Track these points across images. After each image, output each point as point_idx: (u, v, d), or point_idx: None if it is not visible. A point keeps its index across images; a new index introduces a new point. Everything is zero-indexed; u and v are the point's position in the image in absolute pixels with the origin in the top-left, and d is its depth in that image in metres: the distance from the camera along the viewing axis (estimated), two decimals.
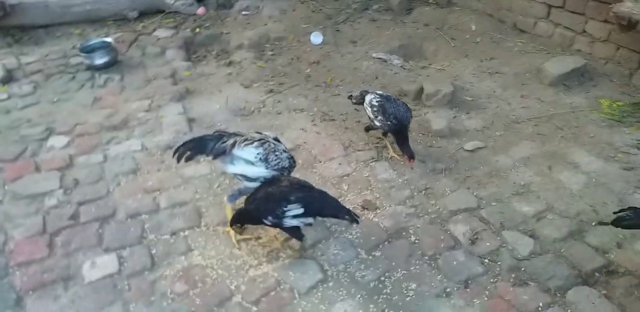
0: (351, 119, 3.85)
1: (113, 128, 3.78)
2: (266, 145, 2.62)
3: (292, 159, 2.70)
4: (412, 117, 3.27)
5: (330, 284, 2.55)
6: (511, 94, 4.08)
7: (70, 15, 5.24)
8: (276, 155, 2.62)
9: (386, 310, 2.41)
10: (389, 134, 3.40)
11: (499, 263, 2.65)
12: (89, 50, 4.54)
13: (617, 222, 2.44)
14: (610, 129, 3.66)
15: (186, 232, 2.85)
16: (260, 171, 2.59)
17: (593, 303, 2.42)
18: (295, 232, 2.54)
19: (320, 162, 3.40)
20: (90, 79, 4.45)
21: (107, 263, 2.65)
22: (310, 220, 2.44)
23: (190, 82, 4.38)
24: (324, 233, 2.82)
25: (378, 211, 2.99)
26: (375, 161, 3.40)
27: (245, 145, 2.59)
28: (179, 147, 2.61)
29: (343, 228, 2.86)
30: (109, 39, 4.67)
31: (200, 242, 2.79)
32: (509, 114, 3.86)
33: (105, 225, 2.90)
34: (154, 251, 2.73)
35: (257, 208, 2.47)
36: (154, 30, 5.19)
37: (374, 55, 4.64)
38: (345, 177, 3.26)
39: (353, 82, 4.32)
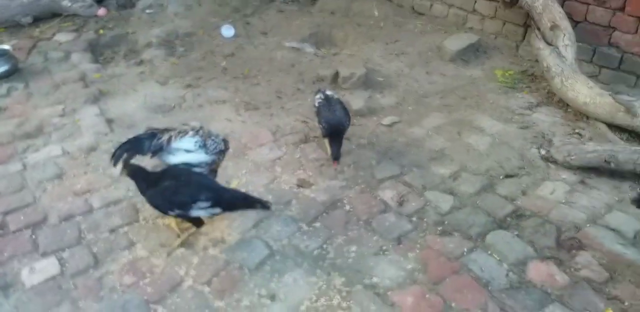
0: (275, 106, 3.98)
1: (27, 136, 3.60)
2: (201, 132, 2.73)
3: (226, 142, 2.83)
4: (349, 123, 3.26)
5: (277, 257, 2.67)
6: (417, 72, 4.43)
7: None
8: (212, 139, 2.74)
9: (331, 272, 2.59)
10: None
11: (425, 220, 2.93)
12: None
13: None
14: (506, 94, 4.11)
15: (125, 228, 2.84)
16: (201, 157, 2.70)
17: (508, 243, 2.76)
18: (195, 220, 2.64)
19: (251, 148, 3.50)
20: None
21: (47, 267, 2.58)
22: (217, 210, 2.52)
23: (102, 84, 4.27)
24: (265, 213, 2.94)
25: (313, 187, 3.16)
26: (304, 142, 3.56)
27: (182, 136, 2.67)
28: (115, 151, 2.59)
29: (282, 206, 3.00)
30: (6, 47, 4.41)
31: (142, 236, 2.79)
32: (417, 90, 4.19)
33: (37, 231, 2.81)
34: (95, 250, 2.69)
35: (163, 203, 2.56)
36: (54, 34, 4.96)
37: (286, 44, 4.79)
38: (278, 160, 3.39)
39: (270, 72, 4.44)
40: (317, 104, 3.35)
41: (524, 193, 3.13)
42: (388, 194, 3.09)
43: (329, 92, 3.42)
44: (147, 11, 5.31)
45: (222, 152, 2.81)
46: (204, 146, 2.70)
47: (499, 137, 3.62)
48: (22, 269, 2.57)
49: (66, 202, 3.01)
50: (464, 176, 3.26)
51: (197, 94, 4.14)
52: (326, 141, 3.30)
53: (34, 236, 2.78)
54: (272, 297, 2.45)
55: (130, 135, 3.41)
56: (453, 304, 2.44)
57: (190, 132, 2.70)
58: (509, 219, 2.96)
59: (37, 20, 5.15)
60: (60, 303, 2.41)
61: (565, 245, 2.81)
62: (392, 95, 4.11)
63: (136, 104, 3.99)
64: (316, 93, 3.48)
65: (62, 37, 4.95)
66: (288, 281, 2.55)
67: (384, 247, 2.74)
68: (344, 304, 2.42)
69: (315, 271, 2.59)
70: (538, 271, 2.63)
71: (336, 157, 3.20)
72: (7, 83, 4.24)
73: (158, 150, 2.65)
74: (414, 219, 2.93)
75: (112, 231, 2.83)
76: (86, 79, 4.33)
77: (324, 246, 2.74)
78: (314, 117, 3.52)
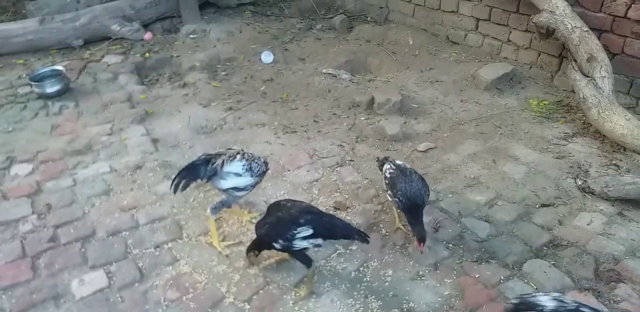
0: (312, 130, 4.10)
1: (77, 153, 3.80)
2: (246, 156, 2.86)
3: (266, 163, 2.95)
4: (428, 195, 2.87)
5: (315, 278, 2.74)
6: (452, 100, 4.50)
7: (11, 45, 5.19)
8: (256, 162, 2.87)
9: (368, 295, 2.63)
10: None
11: (461, 246, 2.95)
12: (38, 79, 4.54)
13: None
14: (541, 124, 4.14)
15: (169, 245, 2.95)
16: (248, 180, 2.83)
17: (545, 272, 2.76)
18: (303, 257, 2.57)
19: (289, 170, 3.60)
20: (43, 107, 4.43)
21: (95, 279, 2.70)
22: (319, 241, 2.51)
23: (148, 105, 4.47)
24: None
25: (349, 210, 3.23)
26: (340, 166, 3.65)
27: (231, 161, 2.80)
28: (174, 178, 2.70)
29: None
30: (60, 67, 4.68)
31: (185, 252, 2.90)
32: (452, 117, 4.26)
33: (87, 244, 2.95)
34: (140, 264, 2.81)
35: (268, 232, 2.54)
36: (103, 56, 5.24)
37: (323, 71, 4.95)
38: (315, 183, 3.48)
39: (307, 97, 4.58)
40: (388, 175, 2.95)
41: (560, 223, 3.13)
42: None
43: (399, 162, 3.03)
44: (191, 36, 5.57)
45: (263, 174, 2.94)
46: (250, 169, 2.82)
47: (534, 166, 3.63)
48: (72, 281, 2.70)
49: (113, 218, 3.15)
50: (500, 203, 3.28)
51: (238, 116, 4.30)
52: (397, 212, 3.08)
53: (83, 249, 2.91)
54: None
55: (175, 155, 3.58)
56: None
57: (238, 156, 2.83)
58: (545, 248, 2.96)
59: (88, 43, 5.45)
60: None
61: (604, 277, 2.80)
62: (427, 122, 4.19)
63: (180, 125, 4.16)
64: (381, 163, 3.12)
65: (111, 59, 5.21)
66: (326, 301, 2.60)
67: (420, 273, 2.77)
68: None
69: (353, 293, 2.64)
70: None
71: (422, 237, 2.76)
72: (59, 102, 4.48)
73: (213, 175, 2.77)
74: (451, 245, 2.96)
75: (157, 246, 2.95)
76: (132, 100, 4.55)
77: (361, 268, 2.80)
78: (349, 141, 3.64)
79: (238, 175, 2.80)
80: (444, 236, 3.02)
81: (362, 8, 6.03)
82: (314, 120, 4.22)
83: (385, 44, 5.41)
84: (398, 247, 2.94)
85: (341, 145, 3.88)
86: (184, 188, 2.71)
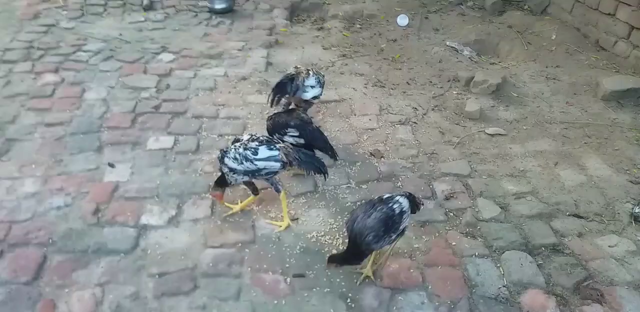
0: (399, 89, 4.37)
1: (209, 57, 4.68)
2: (315, 71, 3.44)
3: (323, 75, 3.53)
4: (378, 242, 2.41)
5: (316, 195, 3.18)
6: (557, 99, 4.31)
7: None
8: (321, 75, 3.45)
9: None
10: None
11: (460, 218, 3.08)
12: None
13: None
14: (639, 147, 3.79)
15: (229, 137, 3.63)
16: (319, 90, 3.41)
17: (522, 265, 2.78)
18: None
19: (355, 115, 3.99)
20: (208, 19, 5.42)
21: (166, 141, 3.53)
22: (301, 140, 3.10)
23: (283, 37, 5.16)
24: (328, 161, 3.43)
25: (382, 159, 3.53)
26: (401, 124, 3.90)
27: (307, 77, 3.37)
28: (269, 95, 3.34)
29: (347, 163, 3.45)
30: None
31: None
32: (545, 114, 4.12)
33: (175, 118, 3.79)
34: (201, 142, 3.55)
35: (268, 129, 3.19)
36: None
37: (447, 43, 5.06)
38: (369, 130, 3.82)
39: (416, 62, 4.81)
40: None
41: (580, 235, 3.01)
42: (442, 187, 3.29)
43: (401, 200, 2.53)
44: None
45: (324, 84, 3.51)
46: (319, 81, 3.41)
47: (596, 181, 3.43)
48: (151, 137, 3.56)
49: (204, 107, 3.94)
50: (529, 199, 3.25)
51: (345, 63, 4.74)
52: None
53: (170, 120, 3.76)
54: None
55: (276, 78, 4.14)
56: (430, 287, 2.64)
57: (311, 73, 3.40)
58: (543, 248, 2.92)
59: None
60: (159, 166, 3.31)
61: (584, 292, 2.71)
62: (515, 112, 4.13)
63: (295, 58, 4.78)
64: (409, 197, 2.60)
65: None
66: (312, 213, 3.03)
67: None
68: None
69: (337, 217, 3.01)
70: (534, 299, 2.63)
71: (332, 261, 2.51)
72: (221, 18, 5.43)
73: (297, 90, 3.35)
74: (451, 214, 3.11)
75: (220, 135, 3.66)
76: (273, 30, 5.28)
77: (358, 203, 3.12)
78: (426, 107, 3.85)
79: (313, 87, 3.36)
80: (450, 205, 3.16)
81: None
82: (407, 82, 4.46)
83: (525, 33, 5.24)
84: None
85: (416, 108, 4.10)
86: (277, 103, 3.34)
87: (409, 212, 2.55)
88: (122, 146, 3.47)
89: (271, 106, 3.38)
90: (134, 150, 3.44)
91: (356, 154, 3.56)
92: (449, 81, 4.51)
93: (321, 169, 2.87)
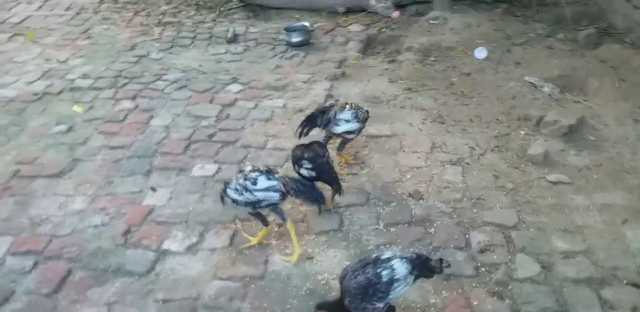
0: (460, 126, 4.10)
1: (274, 88, 4.81)
2: (353, 105, 3.43)
3: (367, 112, 3.55)
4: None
5: (339, 235, 3.05)
6: None
7: (296, 2, 6.54)
8: (361, 111, 3.43)
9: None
10: None
11: (492, 275, 2.74)
12: (291, 30, 5.71)
13: None
14: None
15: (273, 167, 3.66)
16: (355, 125, 3.40)
17: None
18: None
19: (404, 152, 3.81)
20: (283, 52, 5.61)
21: (210, 169, 3.66)
22: (314, 173, 3.08)
23: (351, 69, 5.15)
24: (361, 199, 3.30)
25: (420, 201, 3.30)
26: (452, 164, 3.64)
27: (342, 110, 3.37)
28: (298, 127, 3.38)
29: (381, 203, 3.29)
30: (306, 24, 5.76)
31: None
32: (625, 162, 3.58)
33: (225, 147, 3.92)
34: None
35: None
36: (350, 24, 6.11)
37: (526, 78, 4.66)
38: (414, 169, 3.61)
39: (487, 97, 4.49)
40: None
41: (634, 309, 2.51)
42: (479, 238, 2.97)
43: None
44: (430, 21, 5.90)
45: (366, 120, 3.52)
46: (356, 116, 3.38)
47: None
48: (197, 165, 3.72)
49: (254, 137, 4.05)
50: (579, 259, 2.81)
51: (409, 97, 4.59)
52: None
53: (220, 149, 3.90)
54: None
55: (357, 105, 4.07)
56: None
57: (347, 107, 3.40)
58: None
59: (349, 11, 6.40)
60: (196, 192, 3.43)
61: None
62: (588, 158, 3.64)
63: (358, 90, 4.73)
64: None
65: (354, 27, 6.05)
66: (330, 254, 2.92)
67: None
68: None
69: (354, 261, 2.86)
70: None
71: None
72: (296, 51, 5.58)
73: (327, 123, 3.36)
74: (483, 269, 2.79)
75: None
76: (343, 63, 5.30)
77: (381, 247, 2.95)
78: (485, 147, 3.61)
79: (348, 121, 3.36)
80: (483, 259, 2.85)
81: (629, 26, 5.17)
82: (470, 119, 4.18)
83: (620, 69, 4.64)
84: (430, 247, 2.95)
85: (473, 148, 3.81)
86: (306, 134, 3.39)
87: (407, 279, 2.25)
88: (169, 171, 3.66)
89: (299, 138, 3.38)
90: (178, 176, 3.62)
91: (393, 193, 3.38)
92: (518, 120, 4.13)
93: (318, 200, 2.78)
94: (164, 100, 4.65)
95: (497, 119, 4.17)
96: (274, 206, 2.81)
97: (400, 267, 2.23)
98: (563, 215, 3.14)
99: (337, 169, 3.56)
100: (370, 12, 6.30)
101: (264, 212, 2.90)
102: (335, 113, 3.35)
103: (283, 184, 2.73)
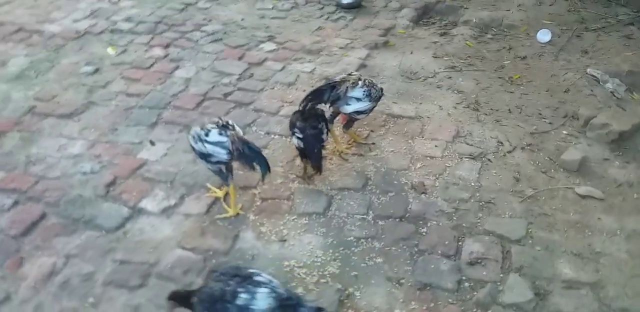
0: (494, 116, 3.65)
1: (307, 51, 4.50)
2: (367, 82, 3.06)
3: (382, 89, 3.16)
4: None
5: (322, 220, 2.83)
6: None
7: None
8: (374, 88, 3.07)
9: (337, 261, 2.59)
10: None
11: (475, 293, 2.44)
12: None
13: None
14: None
15: (275, 136, 3.46)
16: (367, 104, 3.09)
17: None
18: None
19: (422, 137, 3.45)
20: (331, 12, 5.22)
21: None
22: (301, 144, 2.91)
23: (395, 38, 4.72)
24: (357, 184, 3.03)
25: (422, 196, 2.99)
26: (471, 158, 3.25)
27: (353, 87, 3.02)
28: (303, 101, 3.04)
29: (378, 191, 3.01)
30: None
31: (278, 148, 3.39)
32: None
33: (237, 108, 3.74)
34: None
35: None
36: None
37: (588, 70, 4.05)
38: (428, 159, 3.27)
39: (536, 87, 3.96)
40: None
41: None
42: (472, 248, 2.64)
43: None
44: None
45: (379, 99, 3.18)
46: (369, 95, 3.05)
47: None
48: (206, 121, 3.56)
49: (270, 102, 3.82)
50: (583, 293, 2.43)
51: (449, 76, 4.14)
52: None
53: (231, 110, 3.72)
54: None
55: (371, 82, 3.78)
56: None
57: (360, 83, 3.04)
58: None
59: None
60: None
61: None
62: (635, 174, 3.13)
63: (395, 63, 4.33)
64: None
65: None
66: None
67: (402, 281, 2.50)
68: None
69: (329, 251, 2.66)
70: None
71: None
72: (345, 13, 5.18)
73: (336, 100, 3.05)
74: (467, 284, 2.48)
75: (267, 133, 3.51)
76: (390, 31, 4.87)
77: (362, 240, 2.71)
78: (515, 144, 3.27)
79: (359, 100, 3.04)
80: (470, 273, 2.53)
81: None
82: (509, 110, 3.71)
83: None
84: (415, 250, 2.67)
85: (501, 142, 3.39)
86: (310, 109, 3.05)
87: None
88: (174, 126, 3.55)
89: (302, 112, 3.08)
90: (181, 132, 3.50)
91: (395, 182, 3.08)
92: (564, 117, 3.61)
93: (254, 168, 2.57)
94: (194, 51, 4.49)
95: (540, 113, 3.67)
96: (223, 165, 2.67)
97: (263, 301, 1.89)
98: (581, 236, 2.72)
99: (343, 147, 3.31)
100: None
101: (214, 168, 2.74)
102: (347, 89, 3.01)
103: (231, 142, 2.54)
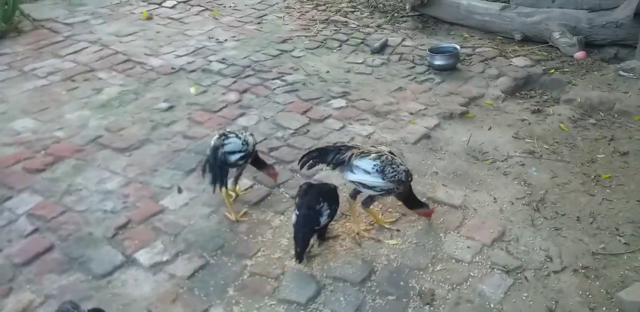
0: (556, 222, 3.04)
1: (374, 113, 4.23)
2: (383, 158, 2.77)
3: (408, 173, 2.80)
4: None
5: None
6: None
7: (470, 20, 5.71)
8: (392, 168, 2.75)
9: None
10: None
11: None
12: (436, 52, 4.98)
13: None
14: None
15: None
16: (377, 181, 2.77)
17: None
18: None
19: (457, 233, 2.98)
20: (420, 73, 4.94)
21: (243, 184, 3.41)
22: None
23: (478, 110, 4.29)
24: (357, 277, 2.69)
25: (425, 307, 2.53)
26: (505, 271, 2.70)
27: (362, 157, 2.78)
28: (304, 156, 2.89)
29: (377, 291, 2.63)
30: (457, 46, 4.95)
31: None
32: None
33: (276, 164, 3.55)
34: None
35: None
36: (517, 56, 5.08)
37: None
38: (452, 262, 2.79)
39: (629, 193, 3.24)
40: None
41: None
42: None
43: None
44: (621, 73, 4.50)
45: (402, 182, 2.79)
46: (381, 171, 2.74)
47: None
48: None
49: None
50: None
51: (523, 163, 3.61)
52: None
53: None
54: None
55: (418, 154, 3.45)
56: None
57: (372, 155, 2.77)
58: None
59: (526, 40, 5.33)
60: (210, 206, 3.26)
61: None
62: None
63: (464, 139, 3.91)
64: None
65: (519, 61, 4.99)
66: None
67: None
68: None
69: None
70: None
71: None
72: (434, 75, 4.86)
73: (340, 164, 2.83)
74: None
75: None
76: (476, 100, 4.44)
77: None
78: (569, 263, 2.67)
79: (367, 172, 2.76)
80: None
81: None
82: (578, 217, 3.08)
83: None
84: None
85: (550, 258, 2.79)
86: (310, 167, 2.91)
87: None
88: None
89: (300, 169, 2.89)
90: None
91: (401, 283, 2.67)
92: None
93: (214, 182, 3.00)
94: (266, 100, 4.52)
95: (617, 229, 2.96)
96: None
97: None
98: None
99: (361, 228, 2.99)
100: (550, 45, 5.13)
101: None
102: (352, 157, 2.77)
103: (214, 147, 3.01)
